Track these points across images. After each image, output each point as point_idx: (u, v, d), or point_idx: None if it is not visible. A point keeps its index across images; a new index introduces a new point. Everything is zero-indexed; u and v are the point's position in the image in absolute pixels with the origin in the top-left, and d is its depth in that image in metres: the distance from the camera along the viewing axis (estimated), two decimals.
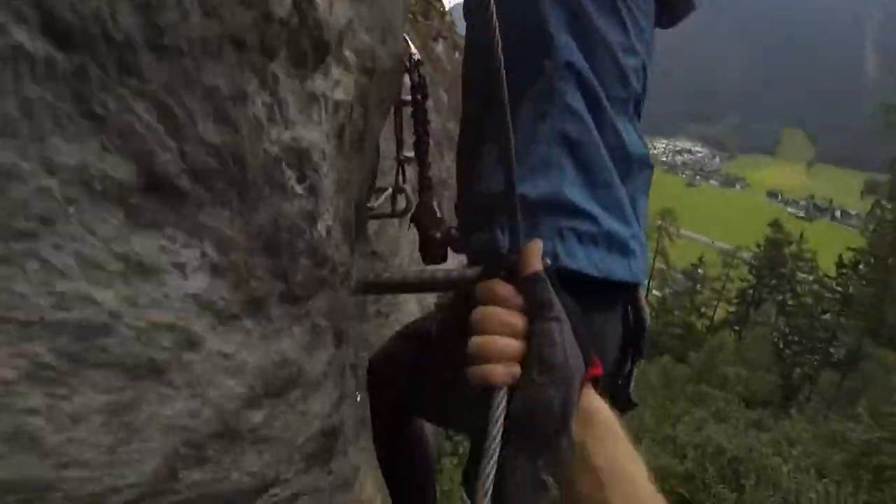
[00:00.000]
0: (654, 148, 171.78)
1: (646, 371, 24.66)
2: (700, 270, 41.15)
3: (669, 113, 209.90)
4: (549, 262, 0.87)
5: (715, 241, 76.09)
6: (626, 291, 1.31)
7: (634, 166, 1.30)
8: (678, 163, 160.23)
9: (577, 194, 1.17)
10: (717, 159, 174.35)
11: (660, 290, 43.23)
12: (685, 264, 44.63)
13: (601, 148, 1.20)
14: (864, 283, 30.78)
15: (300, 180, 0.80)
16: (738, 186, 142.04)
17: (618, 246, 1.22)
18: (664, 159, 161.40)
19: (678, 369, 26.01)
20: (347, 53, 0.88)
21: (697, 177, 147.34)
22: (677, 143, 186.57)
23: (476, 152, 1.27)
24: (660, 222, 42.15)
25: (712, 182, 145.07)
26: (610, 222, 1.20)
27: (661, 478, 11.34)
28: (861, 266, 30.93)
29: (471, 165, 1.29)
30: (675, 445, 12.40)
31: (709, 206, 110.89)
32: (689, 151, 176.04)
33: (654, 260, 41.64)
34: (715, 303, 38.73)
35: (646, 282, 1.46)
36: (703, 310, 39.04)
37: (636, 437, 14.57)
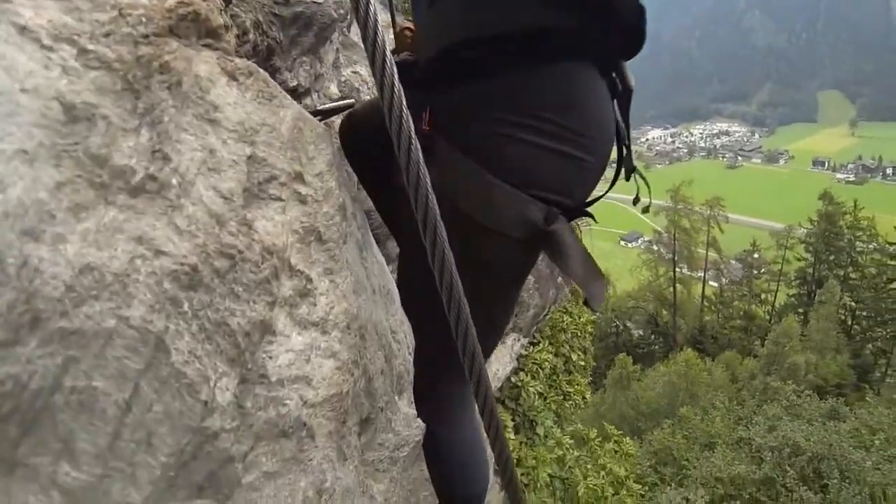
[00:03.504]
0: (691, 135, 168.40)
1: (710, 370, 24.02)
2: (755, 255, 39.84)
3: (703, 97, 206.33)
4: None
5: (766, 221, 73.58)
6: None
7: None
8: (717, 146, 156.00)
9: None
10: (757, 136, 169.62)
11: (716, 282, 42.01)
12: (738, 250, 43.34)
13: None
14: None
15: None
16: (781, 161, 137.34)
17: None
18: (703, 145, 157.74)
19: (744, 364, 25.14)
20: None
21: (739, 157, 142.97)
22: (714, 125, 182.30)
23: None
24: (708, 211, 40.97)
25: (755, 160, 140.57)
26: None
27: (739, 486, 10.98)
28: None
29: None
30: (750, 449, 11.99)
31: (754, 186, 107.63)
32: (727, 133, 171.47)
33: (706, 251, 40.56)
34: (775, 287, 37.37)
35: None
36: (763, 296, 37.76)
37: (708, 444, 14.24)
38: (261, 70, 0.81)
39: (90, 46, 0.60)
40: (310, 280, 0.83)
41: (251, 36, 1.73)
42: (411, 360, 1.26)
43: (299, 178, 0.82)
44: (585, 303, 1.17)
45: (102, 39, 0.60)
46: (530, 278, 4.25)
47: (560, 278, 5.66)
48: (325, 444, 0.86)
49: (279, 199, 0.78)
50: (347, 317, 0.90)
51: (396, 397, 1.16)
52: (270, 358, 0.77)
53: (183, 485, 0.67)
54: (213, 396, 0.68)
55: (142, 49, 0.64)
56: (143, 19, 0.64)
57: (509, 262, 1.18)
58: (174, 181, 0.65)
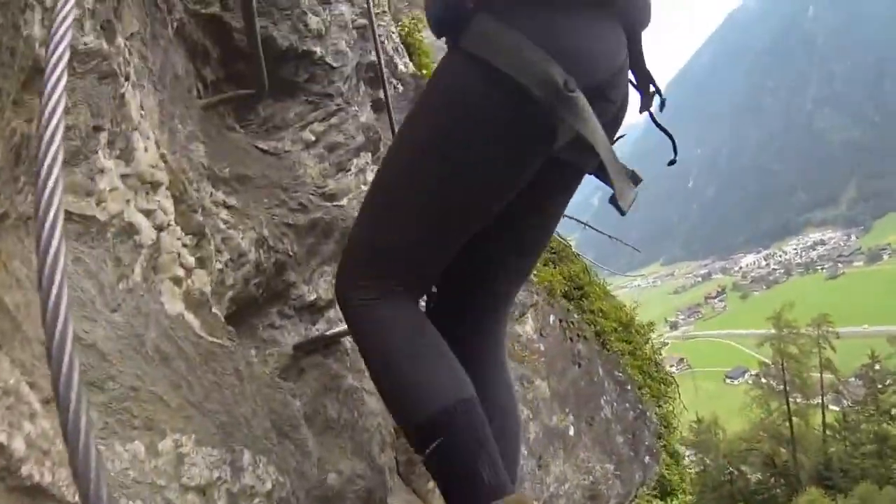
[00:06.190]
0: (785, 253, 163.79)
1: None
2: (876, 367, 36.86)
3: (791, 210, 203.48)
4: None
5: (881, 326, 68.50)
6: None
7: None
8: (814, 258, 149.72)
9: None
10: (853, 237, 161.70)
11: (836, 406, 39.46)
12: (856, 366, 40.88)
13: None
14: None
15: None
16: (885, 257, 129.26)
17: None
18: (798, 261, 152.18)
19: (884, 493, 23.54)
20: None
21: (839, 265, 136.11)
22: (806, 237, 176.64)
23: None
24: (815, 331, 38.70)
25: (856, 264, 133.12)
26: None
27: None
28: None
29: None
30: None
31: (861, 291, 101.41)
32: (822, 242, 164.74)
33: (821, 374, 38.75)
34: None
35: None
36: (893, 411, 35.18)
37: None
38: None
39: None
40: None
41: (251, 256, 1.60)
42: None
43: None
44: (612, 200, 1.27)
45: None
46: (609, 466, 4.05)
47: (647, 458, 4.99)
48: None
49: None
50: None
51: None
52: None
53: None
54: None
55: None
56: None
57: (517, 121, 1.23)
58: None
